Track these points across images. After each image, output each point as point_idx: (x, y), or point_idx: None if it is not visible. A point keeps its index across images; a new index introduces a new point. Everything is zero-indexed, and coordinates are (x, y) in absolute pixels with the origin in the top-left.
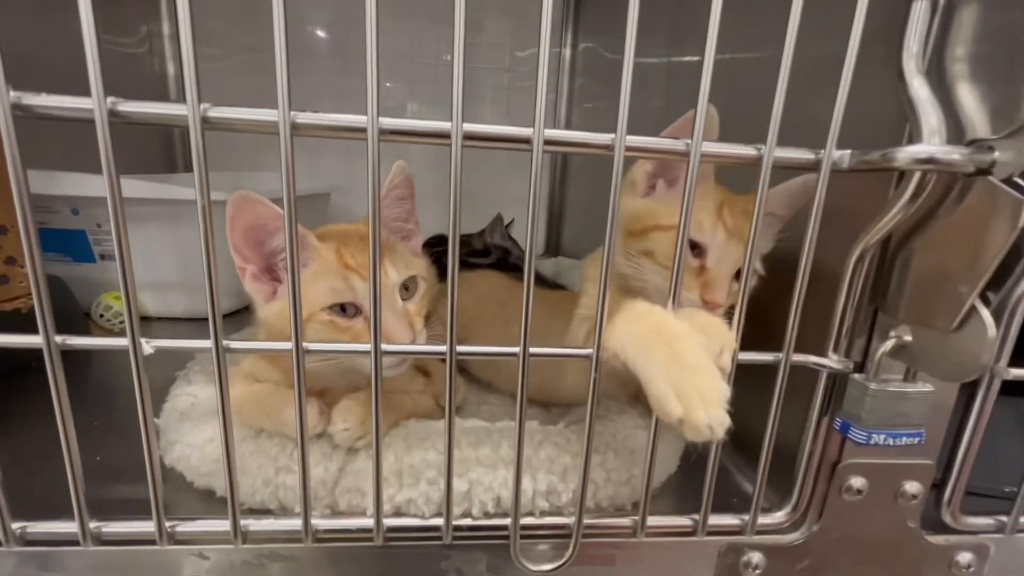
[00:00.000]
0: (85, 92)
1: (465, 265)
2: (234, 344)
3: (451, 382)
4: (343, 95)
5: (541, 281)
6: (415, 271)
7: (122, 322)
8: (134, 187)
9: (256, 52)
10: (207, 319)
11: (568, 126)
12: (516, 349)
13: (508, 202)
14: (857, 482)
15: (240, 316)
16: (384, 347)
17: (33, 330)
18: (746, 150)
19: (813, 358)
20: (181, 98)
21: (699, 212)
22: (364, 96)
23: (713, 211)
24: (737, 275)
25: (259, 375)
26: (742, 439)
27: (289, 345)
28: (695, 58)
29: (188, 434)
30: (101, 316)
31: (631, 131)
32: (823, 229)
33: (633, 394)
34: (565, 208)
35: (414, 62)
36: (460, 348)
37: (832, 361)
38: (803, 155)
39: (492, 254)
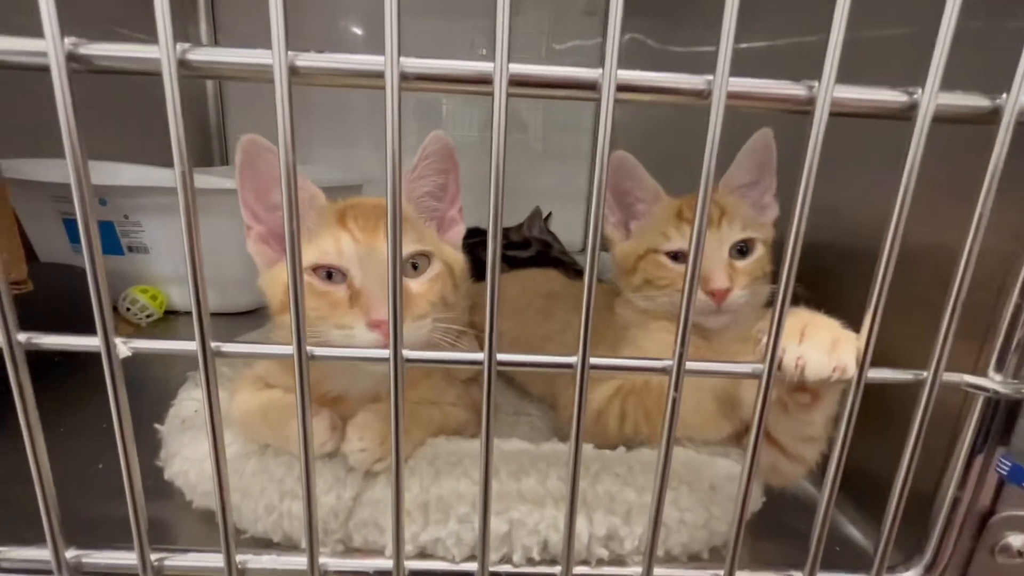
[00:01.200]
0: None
1: (503, 259)
2: (225, 347)
3: (489, 400)
4: (375, 101)
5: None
6: (427, 247)
7: (149, 316)
8: (157, 175)
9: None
10: (238, 313)
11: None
12: (573, 359)
13: (543, 195)
14: (1018, 541)
15: (260, 313)
16: (406, 353)
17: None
18: (892, 95)
19: (969, 378)
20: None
21: (662, 226)
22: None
23: (674, 218)
24: (742, 251)
25: (271, 378)
26: (844, 472)
27: (288, 350)
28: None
29: (188, 445)
30: (128, 310)
31: None
32: (958, 203)
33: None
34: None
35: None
36: (503, 356)
37: (995, 383)
38: (973, 101)
39: (532, 247)
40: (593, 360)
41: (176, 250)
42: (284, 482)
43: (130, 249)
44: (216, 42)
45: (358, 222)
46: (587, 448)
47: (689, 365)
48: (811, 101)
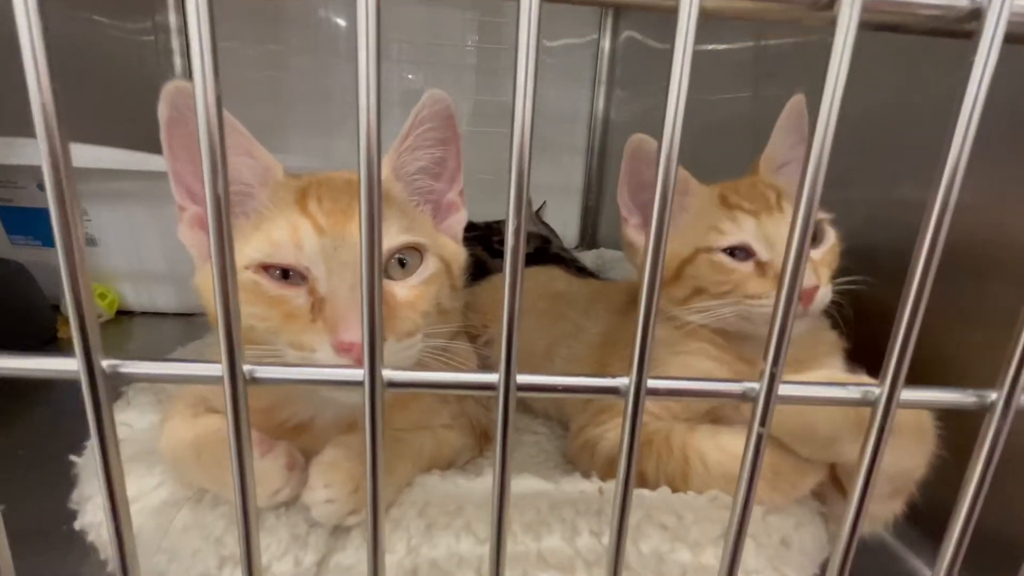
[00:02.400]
0: None
1: (498, 255)
2: (125, 367)
3: (505, 442)
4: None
5: (588, 276)
6: (420, 238)
7: (98, 317)
8: (106, 157)
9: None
10: (197, 315)
11: (606, 117)
12: (621, 381)
13: (536, 190)
14: None
15: None
16: (388, 374)
17: None
18: None
19: None
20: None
21: (710, 219)
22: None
23: (721, 207)
24: (813, 238)
25: (216, 400)
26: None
27: (214, 369)
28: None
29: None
30: None
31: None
32: None
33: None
34: (603, 197)
35: (436, 47)
36: (525, 378)
37: None
38: None
39: (530, 243)
40: (653, 383)
41: (129, 242)
42: (224, 542)
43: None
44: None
45: (323, 204)
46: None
47: (653, 383)
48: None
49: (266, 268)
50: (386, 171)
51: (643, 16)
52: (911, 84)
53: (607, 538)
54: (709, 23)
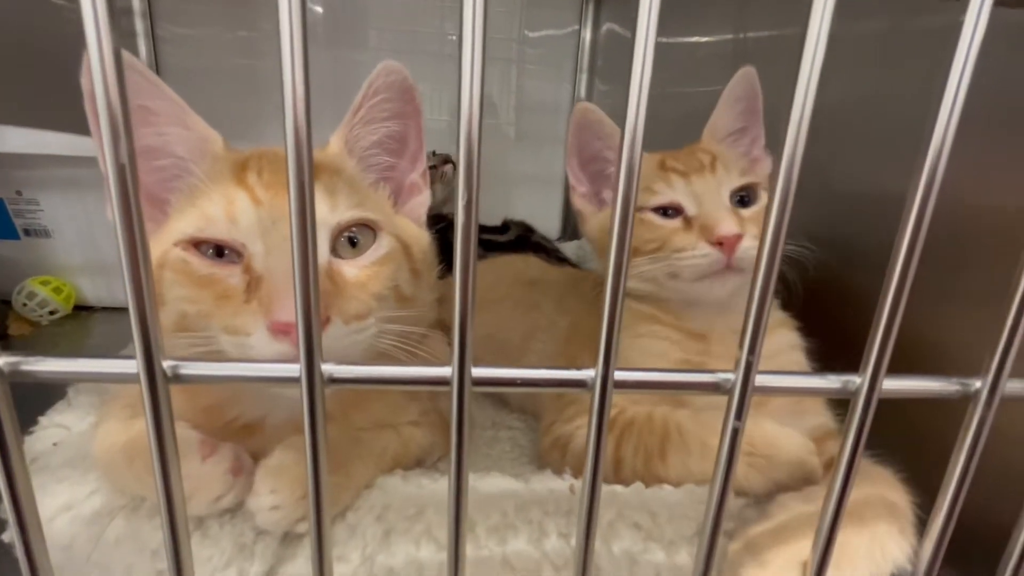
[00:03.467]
0: None
1: (479, 243)
2: (27, 364)
3: (461, 435)
4: (339, 66)
5: (568, 266)
6: (369, 214)
7: (52, 312)
8: (54, 141)
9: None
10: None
11: None
12: (587, 374)
13: (516, 182)
14: None
15: None
16: (328, 369)
17: None
18: None
19: None
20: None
21: (645, 181)
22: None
23: (657, 170)
24: (744, 201)
25: None
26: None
27: (128, 366)
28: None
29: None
30: (24, 305)
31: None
32: None
33: None
34: None
35: (415, 35)
36: (481, 371)
37: None
38: None
39: (511, 231)
40: (621, 374)
41: (85, 233)
42: (162, 555)
43: (27, 232)
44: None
45: (263, 177)
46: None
47: (620, 375)
48: None
49: (197, 245)
50: (338, 144)
51: (624, 8)
52: (890, 74)
53: (575, 540)
54: (690, 16)
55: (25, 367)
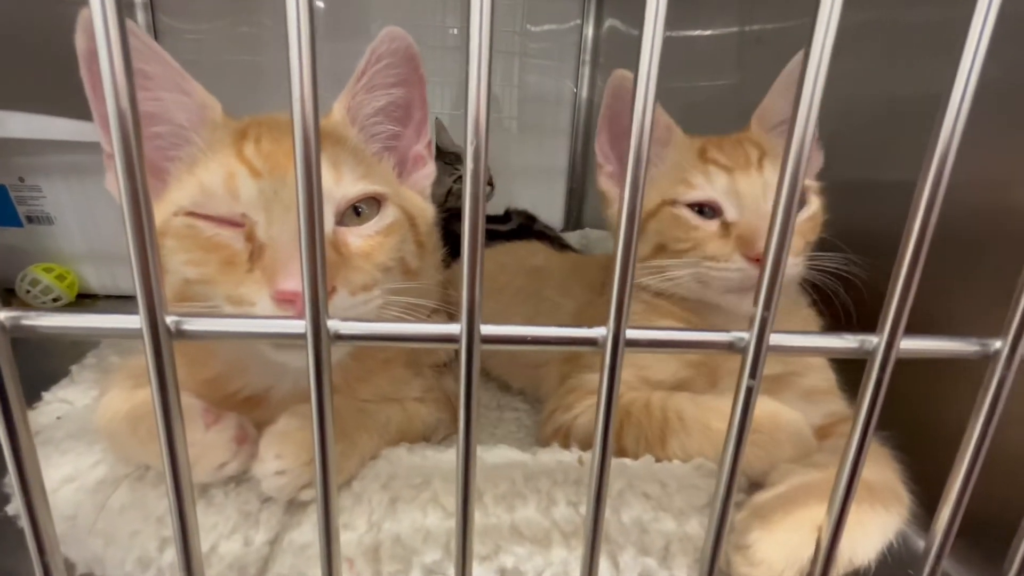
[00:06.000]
0: None
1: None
2: (3, 315)
3: (470, 393)
4: (340, 59)
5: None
6: (378, 186)
7: (56, 299)
8: (57, 127)
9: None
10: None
11: (589, 108)
12: (599, 332)
13: (519, 174)
14: None
15: None
16: (335, 325)
17: None
18: None
19: None
20: None
21: (682, 171)
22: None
23: (697, 160)
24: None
25: None
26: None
27: (131, 321)
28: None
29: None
30: (28, 292)
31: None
32: None
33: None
34: (587, 178)
35: (417, 28)
36: (490, 329)
37: None
38: None
39: (513, 220)
40: (633, 332)
41: (88, 220)
42: (166, 522)
43: (30, 219)
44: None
45: (261, 146)
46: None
47: (632, 333)
48: None
49: (196, 213)
50: (340, 112)
51: (626, 4)
52: (901, 70)
53: (584, 508)
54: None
55: (26, 322)
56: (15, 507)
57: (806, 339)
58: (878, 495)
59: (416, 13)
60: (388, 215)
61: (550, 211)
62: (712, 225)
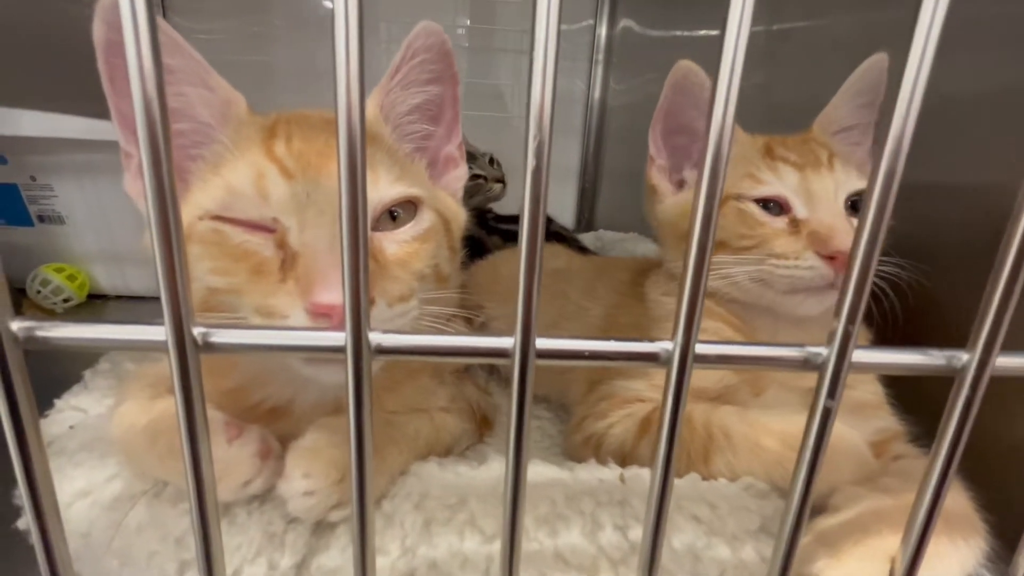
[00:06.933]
0: None
1: (495, 232)
2: (17, 325)
3: (521, 417)
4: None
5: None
6: (415, 191)
7: (67, 300)
8: (68, 125)
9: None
10: None
11: (602, 109)
12: (665, 346)
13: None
14: None
15: None
16: (376, 337)
17: None
18: None
19: None
20: None
21: (747, 165)
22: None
23: (763, 156)
24: (854, 207)
25: None
26: None
27: (158, 333)
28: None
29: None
30: (38, 292)
31: None
32: None
33: None
34: (600, 179)
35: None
36: (544, 343)
37: None
38: None
39: None
40: (701, 347)
41: (99, 220)
42: (186, 544)
43: (41, 219)
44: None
45: (292, 145)
46: (643, 474)
47: (701, 348)
48: None
49: (222, 218)
50: (372, 110)
51: (641, 5)
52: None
53: (634, 533)
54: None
55: (40, 333)
56: (26, 521)
57: (888, 355)
58: (955, 525)
59: (425, 11)
60: (424, 220)
61: (561, 212)
62: (779, 222)
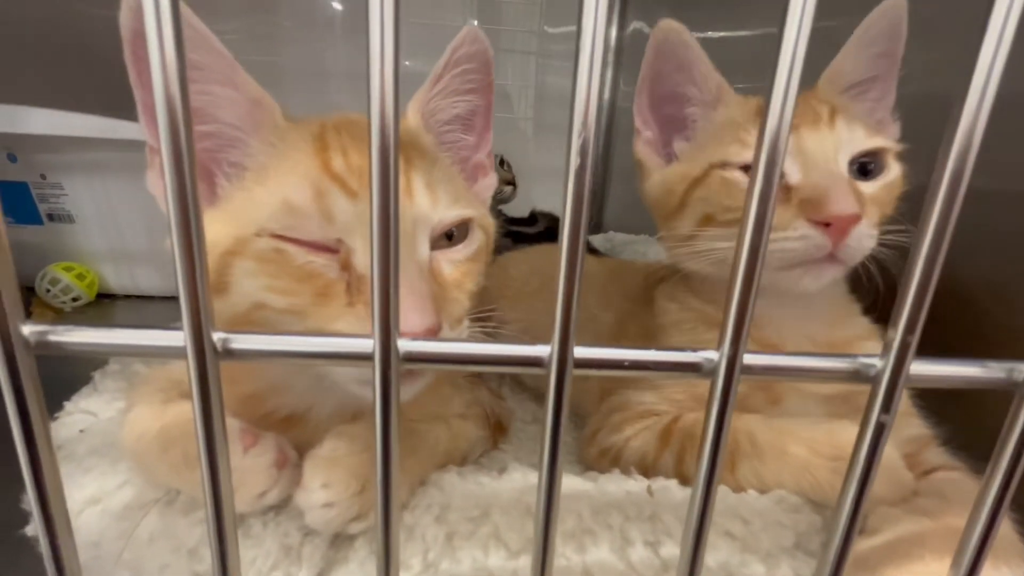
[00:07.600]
0: None
1: (506, 235)
2: (28, 330)
3: (557, 429)
4: (358, 61)
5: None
6: (471, 212)
7: (76, 299)
8: (78, 123)
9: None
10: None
11: (611, 111)
12: (709, 356)
13: (536, 174)
14: None
15: None
16: (404, 345)
17: None
18: None
19: None
20: None
21: (737, 130)
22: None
23: (755, 118)
24: (865, 170)
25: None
26: None
27: (173, 338)
28: None
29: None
30: (47, 291)
31: None
32: None
33: None
34: (609, 180)
35: (433, 28)
36: (582, 352)
37: None
38: None
39: (539, 222)
40: (749, 358)
41: (109, 219)
42: (200, 555)
43: (50, 218)
44: None
45: (350, 159)
46: (671, 486)
47: (750, 359)
48: None
49: (281, 236)
50: (414, 119)
51: (652, 8)
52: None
53: (665, 549)
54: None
55: (53, 338)
56: (34, 528)
57: (946, 367)
58: (999, 551)
59: (435, 12)
60: (476, 239)
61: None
62: None
